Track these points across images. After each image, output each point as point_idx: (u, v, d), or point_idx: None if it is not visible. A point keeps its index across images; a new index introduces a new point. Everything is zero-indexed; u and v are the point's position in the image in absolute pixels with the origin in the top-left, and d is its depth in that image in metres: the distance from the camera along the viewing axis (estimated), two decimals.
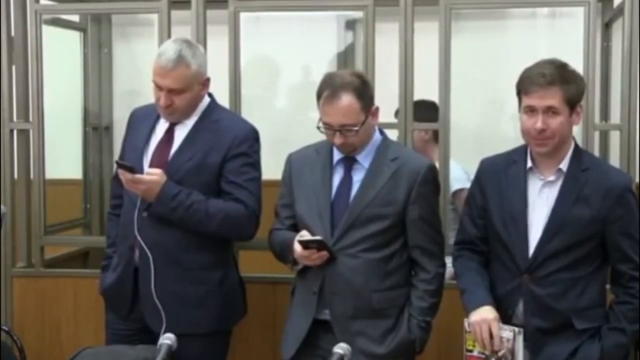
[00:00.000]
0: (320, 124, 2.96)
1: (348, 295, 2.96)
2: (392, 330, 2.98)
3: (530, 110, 2.80)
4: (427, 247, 3.00)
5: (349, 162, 3.02)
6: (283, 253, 3.07)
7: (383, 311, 2.98)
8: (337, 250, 2.95)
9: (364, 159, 3.01)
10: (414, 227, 2.98)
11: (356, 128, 2.91)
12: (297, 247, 2.93)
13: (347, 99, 2.90)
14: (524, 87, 2.82)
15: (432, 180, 3.03)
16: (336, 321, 2.97)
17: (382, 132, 3.09)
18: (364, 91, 2.93)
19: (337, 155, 3.04)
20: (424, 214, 2.98)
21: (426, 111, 3.83)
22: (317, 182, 3.03)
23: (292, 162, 3.14)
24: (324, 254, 2.90)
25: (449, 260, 3.12)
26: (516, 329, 2.81)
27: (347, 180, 3.01)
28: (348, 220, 2.96)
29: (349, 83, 2.92)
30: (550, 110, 2.78)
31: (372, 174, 2.98)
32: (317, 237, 2.90)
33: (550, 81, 2.76)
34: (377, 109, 3.01)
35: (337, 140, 2.93)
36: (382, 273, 2.97)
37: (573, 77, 2.82)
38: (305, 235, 2.95)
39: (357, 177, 3.00)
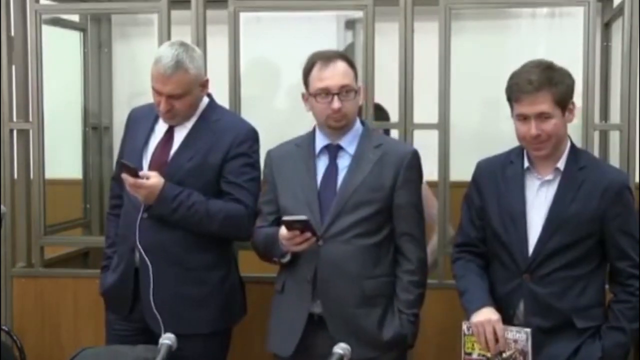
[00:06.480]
0: (312, 98, 2.98)
1: (340, 283, 2.94)
2: (383, 320, 2.97)
3: (523, 118, 2.81)
4: (414, 232, 3.03)
5: (334, 150, 3.04)
6: (269, 247, 3.04)
7: (374, 299, 2.97)
8: (329, 237, 2.94)
9: (349, 146, 3.03)
10: (401, 213, 3.00)
11: (355, 89, 2.98)
12: (282, 230, 2.90)
13: (342, 64, 2.99)
14: (513, 95, 2.82)
15: (417, 165, 3.07)
16: (329, 309, 2.95)
17: (362, 122, 3.12)
18: (352, 64, 3.03)
19: (319, 144, 3.05)
20: (411, 199, 3.02)
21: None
22: (301, 173, 3.04)
23: (273, 158, 3.15)
24: (308, 235, 2.87)
25: None
26: (528, 329, 2.78)
27: (332, 168, 3.03)
28: (338, 206, 2.96)
29: (338, 53, 3.07)
30: (542, 116, 2.78)
31: (359, 160, 3.01)
32: (302, 217, 2.86)
33: (537, 87, 2.76)
34: (360, 88, 3.07)
35: (336, 104, 2.95)
36: (373, 260, 2.98)
37: (560, 76, 2.81)
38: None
39: (343, 164, 3.03)
